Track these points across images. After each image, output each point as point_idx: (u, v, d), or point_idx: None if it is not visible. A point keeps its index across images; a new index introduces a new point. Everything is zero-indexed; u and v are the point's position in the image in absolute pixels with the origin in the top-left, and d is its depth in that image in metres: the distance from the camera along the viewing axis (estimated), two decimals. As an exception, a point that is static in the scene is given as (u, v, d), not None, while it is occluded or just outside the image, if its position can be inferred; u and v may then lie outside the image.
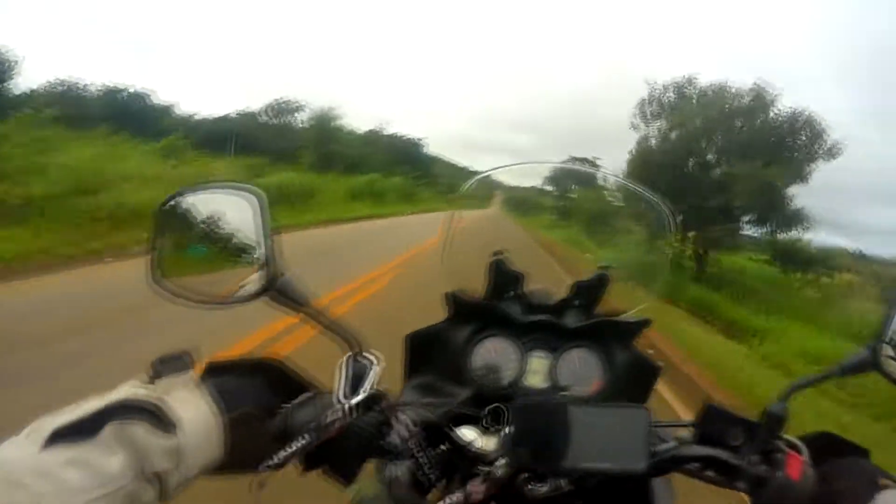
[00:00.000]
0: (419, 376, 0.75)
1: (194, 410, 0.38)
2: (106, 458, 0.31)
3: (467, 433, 0.56)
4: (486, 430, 0.55)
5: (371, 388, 0.48)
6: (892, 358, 0.48)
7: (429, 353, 0.75)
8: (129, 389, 0.37)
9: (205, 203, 0.49)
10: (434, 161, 44.51)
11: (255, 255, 0.47)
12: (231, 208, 0.48)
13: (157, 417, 0.35)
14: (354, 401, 0.46)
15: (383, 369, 0.50)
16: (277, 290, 0.46)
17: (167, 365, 0.40)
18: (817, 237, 14.39)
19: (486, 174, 0.82)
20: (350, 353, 0.49)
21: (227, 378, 0.45)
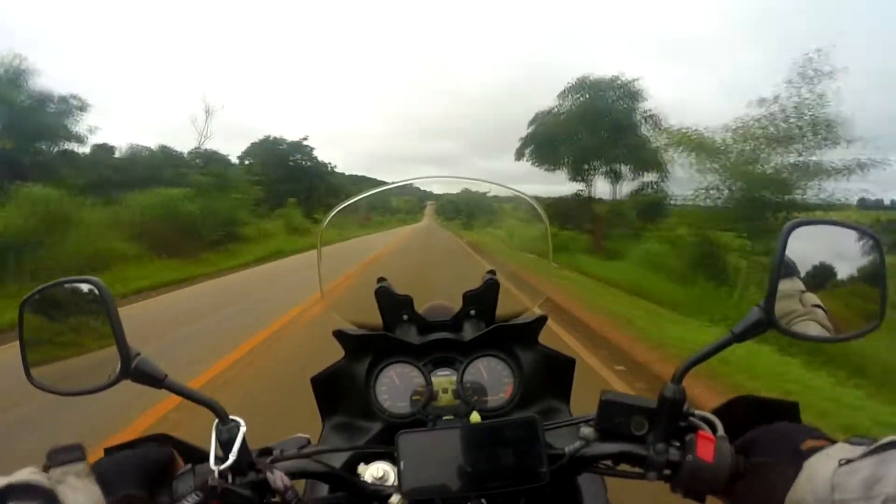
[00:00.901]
0: (334, 416, 0.75)
1: (83, 499, 0.40)
2: None
3: (378, 470, 0.56)
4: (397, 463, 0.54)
5: (240, 451, 0.49)
6: (785, 314, 0.47)
7: (337, 393, 0.74)
8: (27, 475, 0.39)
9: (60, 296, 0.54)
10: (330, 174, 33.89)
11: (109, 339, 0.49)
12: (81, 298, 0.52)
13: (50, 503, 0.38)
14: (224, 465, 0.48)
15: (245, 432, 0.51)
16: (134, 372, 0.48)
17: (61, 455, 0.42)
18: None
19: (346, 205, 0.81)
20: (217, 421, 0.50)
21: (120, 461, 0.48)
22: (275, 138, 30.43)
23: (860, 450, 0.36)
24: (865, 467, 0.34)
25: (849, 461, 0.36)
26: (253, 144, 30.06)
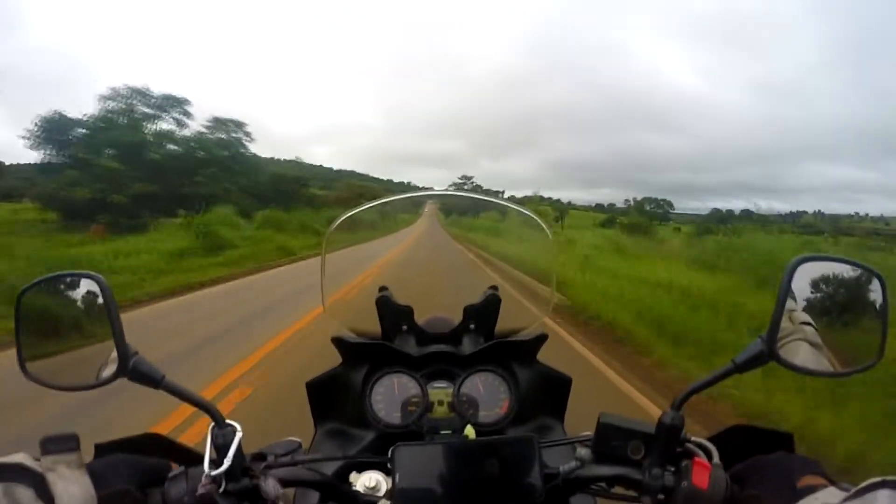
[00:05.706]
0: (328, 422, 0.75)
1: (74, 489, 0.40)
2: None
3: (370, 479, 0.56)
4: (390, 473, 0.54)
5: (235, 457, 0.48)
6: (787, 345, 0.47)
7: (331, 399, 0.74)
8: (18, 458, 0.39)
9: (59, 289, 0.53)
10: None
11: (107, 336, 0.49)
12: (81, 293, 0.51)
13: (40, 488, 0.38)
14: (219, 471, 0.47)
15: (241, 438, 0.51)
16: (132, 370, 0.48)
17: (54, 444, 0.42)
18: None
19: (353, 213, 0.80)
20: (213, 424, 0.50)
21: (112, 457, 0.47)
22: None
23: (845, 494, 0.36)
24: None
25: None
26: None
